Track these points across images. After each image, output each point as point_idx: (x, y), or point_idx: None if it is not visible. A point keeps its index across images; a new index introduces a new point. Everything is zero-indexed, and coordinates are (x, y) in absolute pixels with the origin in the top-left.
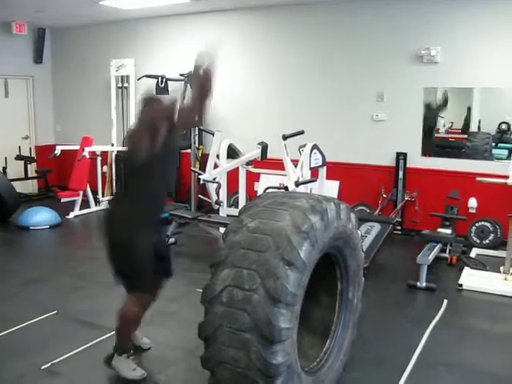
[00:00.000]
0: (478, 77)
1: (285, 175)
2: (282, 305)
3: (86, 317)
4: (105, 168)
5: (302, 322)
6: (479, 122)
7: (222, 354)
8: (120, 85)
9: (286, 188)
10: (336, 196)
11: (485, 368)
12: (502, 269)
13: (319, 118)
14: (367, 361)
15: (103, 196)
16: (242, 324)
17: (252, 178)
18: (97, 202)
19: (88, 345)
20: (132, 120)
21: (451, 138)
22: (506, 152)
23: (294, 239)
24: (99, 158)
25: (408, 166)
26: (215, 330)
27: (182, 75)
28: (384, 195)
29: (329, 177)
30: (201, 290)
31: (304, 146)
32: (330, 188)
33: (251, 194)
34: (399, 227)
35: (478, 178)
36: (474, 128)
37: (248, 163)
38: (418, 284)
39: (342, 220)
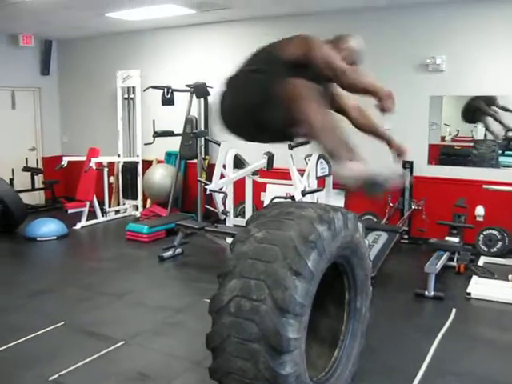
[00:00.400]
0: (484, 84)
1: (291, 185)
2: (290, 315)
3: (93, 328)
4: (111, 179)
5: (309, 331)
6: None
7: (230, 364)
8: (126, 96)
9: (292, 198)
10: (342, 205)
11: (494, 377)
12: (510, 277)
13: None
14: (376, 371)
15: (110, 207)
16: (250, 334)
17: (258, 188)
18: (104, 212)
19: (95, 356)
20: (138, 131)
21: (457, 145)
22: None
23: (301, 249)
24: (106, 169)
25: (414, 174)
26: (223, 341)
27: (188, 86)
28: (391, 204)
29: (335, 186)
30: (208, 301)
31: (310, 155)
32: (336, 197)
33: (258, 204)
34: (406, 236)
35: (485, 186)
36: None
37: (254, 173)
38: (426, 293)
39: (350, 229)
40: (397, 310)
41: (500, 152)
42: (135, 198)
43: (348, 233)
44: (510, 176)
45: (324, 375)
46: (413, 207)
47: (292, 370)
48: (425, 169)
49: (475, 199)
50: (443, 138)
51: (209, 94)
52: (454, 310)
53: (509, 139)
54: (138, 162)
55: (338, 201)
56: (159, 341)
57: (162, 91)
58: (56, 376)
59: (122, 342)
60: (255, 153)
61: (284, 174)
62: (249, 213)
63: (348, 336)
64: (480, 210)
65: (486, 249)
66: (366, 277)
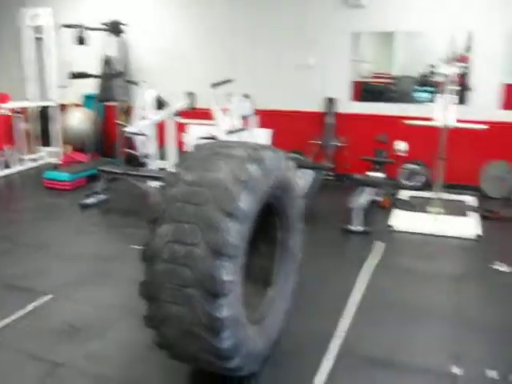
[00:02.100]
0: (403, 21)
1: (213, 125)
2: (225, 257)
3: (15, 281)
4: (26, 125)
5: (243, 272)
6: (403, 66)
7: (165, 311)
8: (36, 36)
9: (214, 138)
10: (270, 144)
11: (422, 304)
12: (430, 209)
13: (249, 66)
14: (307, 307)
15: (26, 155)
16: (185, 280)
17: (180, 130)
18: (19, 161)
19: (22, 311)
20: (52, 74)
21: (378, 82)
22: (429, 95)
23: (232, 190)
24: (19, 116)
25: (338, 111)
26: (157, 288)
27: (103, 24)
28: (316, 141)
29: (261, 125)
30: (136, 247)
31: (231, 94)
32: (262, 137)
33: (179, 146)
34: (332, 173)
35: (406, 121)
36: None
37: (176, 114)
38: (352, 228)
39: (281, 168)
40: (325, 245)
41: (417, 88)
42: (51, 144)
43: (279, 172)
44: (428, 111)
45: (259, 315)
46: (337, 144)
47: (229, 313)
48: (347, 105)
49: (396, 135)
50: (364, 76)
51: (123, 32)
52: (378, 243)
53: (425, 75)
54: (52, 107)
55: (264, 140)
56: (88, 291)
57: (75, 30)
58: None
59: (50, 296)
60: (176, 94)
61: (206, 114)
62: (171, 155)
63: (281, 275)
64: (401, 145)
65: (407, 183)
66: (297, 216)
